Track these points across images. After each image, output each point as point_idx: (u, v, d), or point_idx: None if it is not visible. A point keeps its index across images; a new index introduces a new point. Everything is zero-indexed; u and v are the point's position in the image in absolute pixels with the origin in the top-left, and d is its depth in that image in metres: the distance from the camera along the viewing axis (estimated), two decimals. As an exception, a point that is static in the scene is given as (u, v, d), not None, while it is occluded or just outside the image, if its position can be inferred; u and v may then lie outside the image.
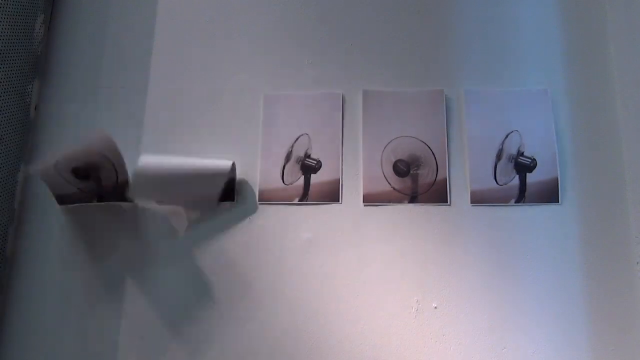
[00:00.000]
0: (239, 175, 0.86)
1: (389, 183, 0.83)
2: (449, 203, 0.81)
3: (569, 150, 0.83)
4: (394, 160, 0.84)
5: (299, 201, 0.84)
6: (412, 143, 0.84)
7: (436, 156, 0.83)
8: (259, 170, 0.86)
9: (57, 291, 0.87)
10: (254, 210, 0.85)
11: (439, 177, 0.83)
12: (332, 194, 0.84)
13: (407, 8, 0.90)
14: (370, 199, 0.83)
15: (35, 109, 0.95)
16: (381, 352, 0.77)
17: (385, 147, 0.84)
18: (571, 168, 0.82)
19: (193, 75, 0.92)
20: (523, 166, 0.81)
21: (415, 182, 0.83)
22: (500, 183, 0.77)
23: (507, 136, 0.82)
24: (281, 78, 0.90)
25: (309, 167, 0.84)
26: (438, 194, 0.82)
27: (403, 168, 0.83)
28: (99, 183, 0.86)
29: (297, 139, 0.85)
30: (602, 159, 0.82)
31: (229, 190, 0.85)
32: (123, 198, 0.87)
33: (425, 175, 0.83)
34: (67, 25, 0.99)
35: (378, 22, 0.90)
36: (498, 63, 0.87)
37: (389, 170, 0.84)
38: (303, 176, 0.84)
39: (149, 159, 0.80)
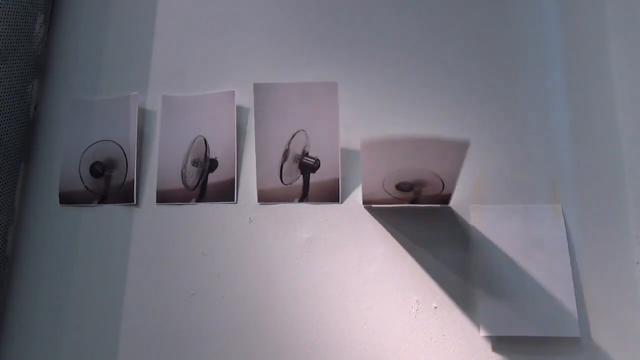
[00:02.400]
0: (240, 174, 0.86)
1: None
2: (449, 204, 0.81)
3: (569, 150, 0.83)
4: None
5: (298, 201, 0.84)
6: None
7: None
8: (257, 170, 0.85)
9: (57, 291, 0.87)
10: (254, 210, 0.85)
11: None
12: (331, 194, 0.84)
13: (407, 8, 0.90)
14: (370, 200, 0.83)
15: (35, 109, 0.95)
16: (381, 352, 0.77)
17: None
18: (571, 168, 0.82)
19: (193, 76, 0.92)
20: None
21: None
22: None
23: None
24: (281, 78, 0.90)
25: (307, 166, 0.84)
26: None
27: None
28: (108, 182, 0.88)
29: (293, 135, 0.84)
30: (602, 159, 0.82)
31: (229, 191, 0.85)
32: (125, 199, 0.87)
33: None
34: (67, 25, 0.99)
35: (379, 23, 0.90)
36: (495, 64, 0.87)
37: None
38: (302, 176, 0.84)
39: None
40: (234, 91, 0.87)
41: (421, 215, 0.81)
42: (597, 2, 0.87)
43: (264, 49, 0.92)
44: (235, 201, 0.85)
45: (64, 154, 0.91)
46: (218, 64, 0.92)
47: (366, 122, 0.86)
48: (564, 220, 0.79)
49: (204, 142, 0.85)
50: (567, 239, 0.79)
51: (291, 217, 0.84)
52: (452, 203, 0.81)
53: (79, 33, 0.99)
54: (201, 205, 0.86)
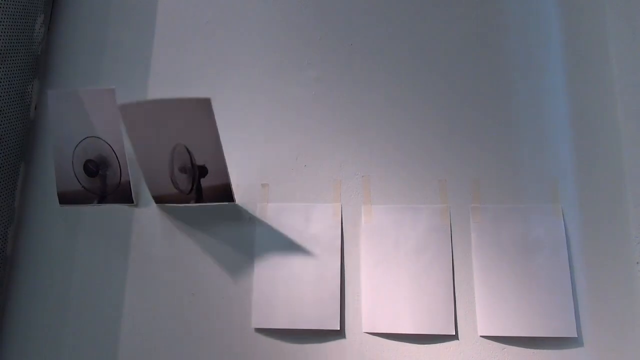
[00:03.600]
0: (239, 174, 0.86)
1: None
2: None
3: (569, 151, 0.83)
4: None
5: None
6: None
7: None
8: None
9: (57, 291, 0.87)
10: (254, 210, 0.85)
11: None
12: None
13: (408, 8, 0.90)
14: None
15: (35, 109, 0.95)
16: (382, 352, 0.77)
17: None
18: (571, 168, 0.82)
19: (193, 76, 0.92)
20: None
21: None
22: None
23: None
24: (281, 78, 0.90)
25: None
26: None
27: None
28: (104, 182, 0.87)
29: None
30: (602, 159, 0.82)
31: (226, 192, 0.84)
32: (124, 199, 0.87)
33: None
34: (67, 25, 0.99)
35: (379, 22, 0.90)
36: (496, 64, 0.87)
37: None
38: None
39: None
40: (209, 99, 0.76)
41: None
42: (597, 3, 0.88)
43: (264, 50, 0.92)
44: (234, 201, 0.85)
45: (54, 152, 0.89)
46: (218, 65, 0.92)
47: (366, 120, 0.86)
48: (564, 220, 0.79)
49: (186, 150, 0.81)
50: (567, 238, 0.79)
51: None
52: (450, 203, 0.81)
53: (79, 33, 0.98)
54: (201, 205, 0.86)
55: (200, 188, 0.82)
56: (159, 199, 0.86)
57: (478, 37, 0.88)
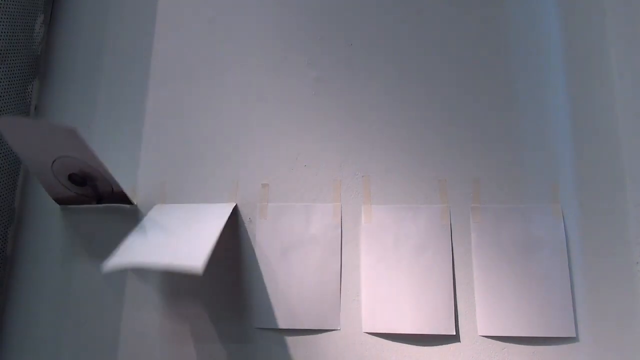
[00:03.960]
0: (239, 174, 0.86)
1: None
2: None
3: (569, 151, 0.83)
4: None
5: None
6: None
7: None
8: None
9: (57, 291, 0.87)
10: (254, 210, 0.85)
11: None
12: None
13: (408, 8, 0.90)
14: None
15: (35, 109, 0.95)
16: (382, 352, 0.77)
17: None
18: (571, 168, 0.82)
19: (193, 75, 0.92)
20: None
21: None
22: None
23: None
24: (281, 78, 0.90)
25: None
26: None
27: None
28: (96, 190, 0.85)
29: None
30: (602, 159, 0.82)
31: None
32: (122, 201, 0.87)
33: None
34: (67, 25, 0.99)
35: (379, 22, 0.90)
36: (496, 65, 0.87)
37: (389, 171, 0.84)
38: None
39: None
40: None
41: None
42: (597, 4, 0.88)
43: (264, 49, 0.92)
44: (235, 201, 0.85)
45: (32, 170, 0.84)
46: (218, 64, 0.92)
47: (366, 120, 0.86)
48: (564, 221, 0.80)
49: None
50: (567, 239, 0.79)
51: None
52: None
53: (79, 33, 0.98)
54: (202, 205, 0.86)
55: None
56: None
57: (478, 36, 0.88)
